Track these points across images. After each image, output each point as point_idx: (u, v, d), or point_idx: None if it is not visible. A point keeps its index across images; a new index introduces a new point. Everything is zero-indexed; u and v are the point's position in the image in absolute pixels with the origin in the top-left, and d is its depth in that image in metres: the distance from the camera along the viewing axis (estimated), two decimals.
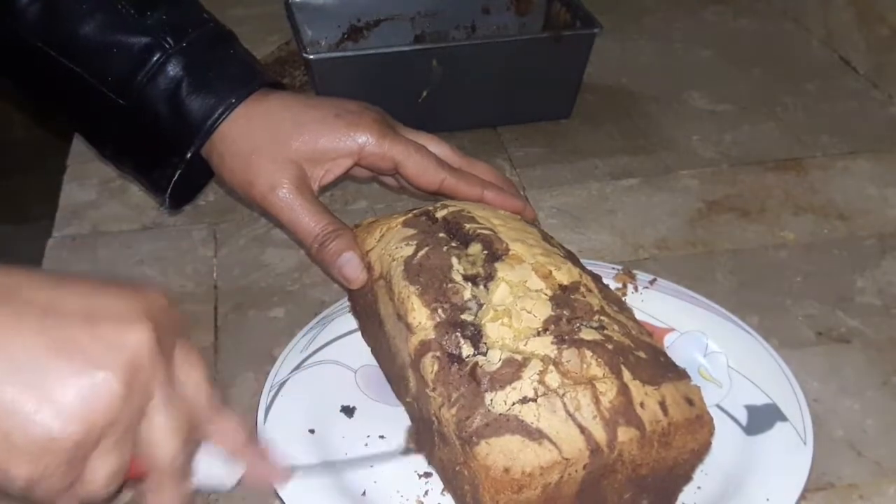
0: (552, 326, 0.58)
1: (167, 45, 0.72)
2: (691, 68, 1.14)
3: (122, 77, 0.72)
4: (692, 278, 0.79)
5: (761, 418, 0.65)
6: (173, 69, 0.72)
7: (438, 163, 0.72)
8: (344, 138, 0.71)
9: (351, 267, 0.68)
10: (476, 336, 0.58)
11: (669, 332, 0.72)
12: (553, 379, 0.55)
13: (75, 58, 0.72)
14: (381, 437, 0.65)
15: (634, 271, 0.76)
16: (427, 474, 0.62)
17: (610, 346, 0.57)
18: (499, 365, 0.56)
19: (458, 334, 0.58)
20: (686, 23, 1.24)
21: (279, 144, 0.71)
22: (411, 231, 0.66)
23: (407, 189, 0.75)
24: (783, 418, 0.64)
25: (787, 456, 0.61)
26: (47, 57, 0.72)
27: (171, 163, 0.74)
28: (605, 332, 0.58)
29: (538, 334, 0.58)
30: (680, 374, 0.59)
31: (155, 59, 0.71)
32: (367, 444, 0.64)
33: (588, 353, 0.57)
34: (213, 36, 0.75)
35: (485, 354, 0.57)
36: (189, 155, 0.73)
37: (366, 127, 0.72)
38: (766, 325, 0.74)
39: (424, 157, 0.72)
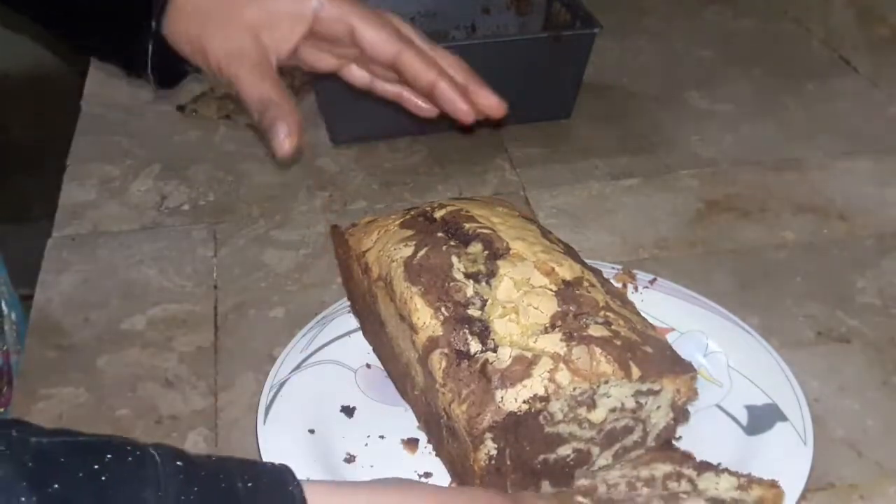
0: (559, 322, 0.58)
1: None
2: (691, 68, 1.14)
3: None
4: (692, 278, 0.79)
5: (761, 418, 0.65)
6: None
7: (398, 34, 0.69)
8: (298, 2, 0.69)
9: (280, 136, 0.66)
10: (484, 332, 0.58)
11: (669, 332, 0.71)
12: (563, 377, 0.56)
13: None
14: (381, 437, 0.65)
15: (634, 271, 0.76)
16: (427, 474, 0.62)
17: (618, 343, 0.58)
18: (509, 362, 0.56)
19: (466, 331, 0.58)
20: (686, 23, 1.24)
21: (232, 12, 0.69)
22: (409, 232, 0.66)
23: (364, 70, 0.72)
24: (783, 418, 0.64)
25: (788, 456, 0.61)
26: None
27: (140, 38, 0.71)
28: (612, 327, 0.59)
29: (546, 331, 0.58)
30: (686, 368, 0.59)
31: None
32: (367, 444, 0.64)
33: (597, 350, 0.57)
34: None
35: (494, 351, 0.57)
36: (154, 24, 0.70)
37: None
38: (766, 325, 0.74)
39: (383, 25, 0.69)
